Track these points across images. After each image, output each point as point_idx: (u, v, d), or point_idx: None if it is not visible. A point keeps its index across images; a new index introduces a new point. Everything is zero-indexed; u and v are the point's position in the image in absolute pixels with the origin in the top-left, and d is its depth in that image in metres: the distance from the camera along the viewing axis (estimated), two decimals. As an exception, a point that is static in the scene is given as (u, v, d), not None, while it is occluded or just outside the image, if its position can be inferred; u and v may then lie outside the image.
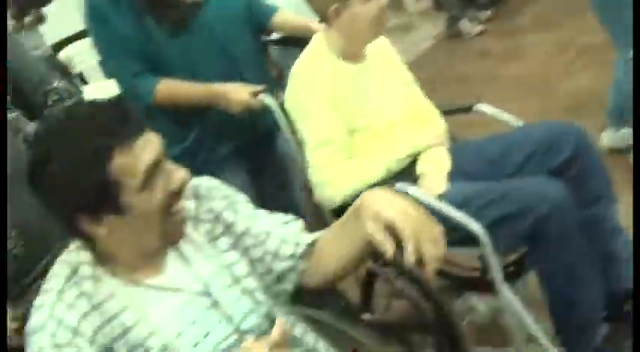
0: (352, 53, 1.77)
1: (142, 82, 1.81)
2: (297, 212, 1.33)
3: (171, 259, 1.06)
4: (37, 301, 0.98)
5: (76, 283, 0.98)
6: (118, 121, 0.93)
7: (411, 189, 1.61)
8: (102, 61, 1.87)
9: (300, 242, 1.14)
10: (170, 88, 1.83)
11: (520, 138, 1.76)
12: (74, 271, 1.00)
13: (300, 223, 1.18)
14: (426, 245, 0.90)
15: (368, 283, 1.75)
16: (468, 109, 1.96)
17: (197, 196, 1.12)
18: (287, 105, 1.78)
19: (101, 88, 3.60)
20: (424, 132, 1.80)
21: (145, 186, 0.94)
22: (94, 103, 0.98)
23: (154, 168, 0.95)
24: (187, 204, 1.10)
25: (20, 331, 1.14)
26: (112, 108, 0.95)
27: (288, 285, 1.15)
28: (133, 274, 1.02)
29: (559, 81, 3.37)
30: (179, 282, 1.05)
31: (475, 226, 1.50)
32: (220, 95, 1.82)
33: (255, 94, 1.82)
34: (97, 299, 0.98)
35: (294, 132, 1.81)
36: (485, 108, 1.92)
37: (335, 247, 1.10)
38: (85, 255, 1.00)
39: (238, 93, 1.81)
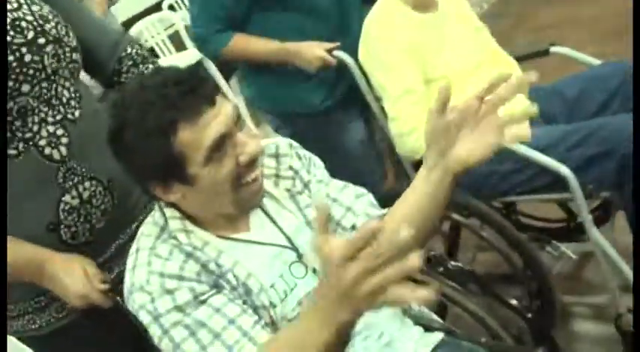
0: (424, 2, 1.73)
1: (217, 35, 1.83)
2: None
3: (255, 216, 1.08)
4: (130, 262, 1.00)
5: (166, 239, 1.01)
6: (185, 94, 0.93)
7: None
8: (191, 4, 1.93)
9: (370, 214, 1.12)
10: (243, 43, 1.83)
11: (601, 75, 1.69)
12: (162, 229, 1.02)
13: (370, 197, 1.17)
14: None
15: (454, 234, 1.75)
16: (544, 53, 1.90)
17: (277, 155, 1.14)
18: (362, 59, 1.76)
19: (176, 60, 3.68)
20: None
21: (211, 160, 0.95)
22: (165, 74, 0.96)
23: (221, 142, 0.94)
24: (268, 163, 1.12)
25: (108, 293, 1.19)
26: (182, 80, 0.94)
27: None
28: (219, 231, 1.04)
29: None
30: (265, 238, 1.07)
31: (564, 169, 1.46)
32: (294, 53, 1.80)
33: (330, 51, 1.79)
34: (190, 249, 1.00)
35: (370, 87, 1.79)
36: (562, 50, 1.87)
37: (406, 212, 1.06)
38: (172, 212, 1.03)
39: (313, 50, 1.79)
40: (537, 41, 3.20)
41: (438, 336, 1.15)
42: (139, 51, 1.38)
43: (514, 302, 1.58)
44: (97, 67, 1.32)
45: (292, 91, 1.93)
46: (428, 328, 1.17)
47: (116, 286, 1.17)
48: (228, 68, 3.89)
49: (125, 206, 1.28)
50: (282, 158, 1.14)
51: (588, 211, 1.55)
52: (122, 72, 1.34)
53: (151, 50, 3.95)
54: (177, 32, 4.31)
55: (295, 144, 1.18)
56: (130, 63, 1.35)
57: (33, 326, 1.25)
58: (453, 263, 1.70)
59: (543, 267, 1.51)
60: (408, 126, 1.66)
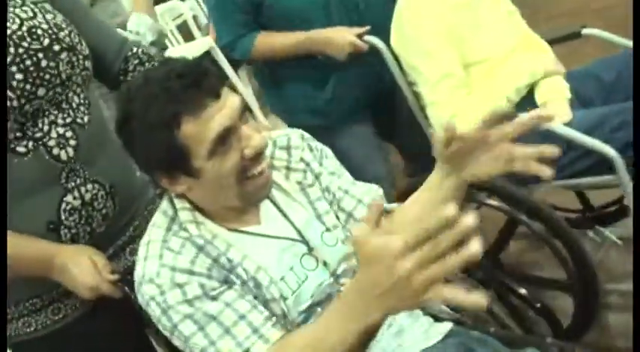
0: None
1: (242, 40, 1.81)
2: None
3: (266, 209, 1.09)
4: (142, 253, 1.01)
5: (177, 231, 1.01)
6: (189, 87, 0.92)
7: None
8: (210, 9, 1.94)
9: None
10: (268, 41, 1.80)
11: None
12: (172, 219, 1.03)
13: (380, 191, 1.17)
14: None
15: (508, 228, 1.74)
16: (577, 35, 1.87)
17: (288, 147, 1.14)
18: (396, 44, 1.71)
19: (184, 50, 3.68)
20: (539, 59, 1.73)
21: (215, 153, 0.94)
22: (170, 67, 0.96)
23: (225, 135, 0.94)
24: (279, 155, 1.13)
25: (117, 283, 1.19)
26: (186, 73, 0.93)
27: None
28: (229, 223, 1.05)
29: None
30: (275, 231, 1.07)
31: (610, 151, 1.45)
32: (322, 41, 1.74)
33: (361, 35, 1.72)
34: (201, 242, 1.00)
35: (403, 73, 1.75)
36: (594, 31, 1.83)
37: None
38: (182, 203, 1.03)
39: (342, 35, 1.72)
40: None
41: (447, 326, 1.15)
42: (145, 50, 1.39)
43: (523, 291, 1.58)
44: (104, 69, 1.34)
45: (299, 103, 1.93)
46: (437, 318, 1.17)
47: (121, 280, 1.19)
48: (236, 59, 3.90)
49: (126, 212, 1.30)
50: (294, 150, 1.14)
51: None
52: (129, 71, 1.36)
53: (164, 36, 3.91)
54: (185, 22, 4.30)
55: (307, 135, 1.18)
56: (137, 61, 1.37)
57: (28, 329, 1.26)
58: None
59: (587, 256, 1.50)
60: (449, 111, 1.63)
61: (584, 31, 1.85)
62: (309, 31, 1.75)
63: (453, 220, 0.63)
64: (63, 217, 1.19)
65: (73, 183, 1.19)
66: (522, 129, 0.89)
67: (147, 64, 1.38)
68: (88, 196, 1.21)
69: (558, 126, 1.51)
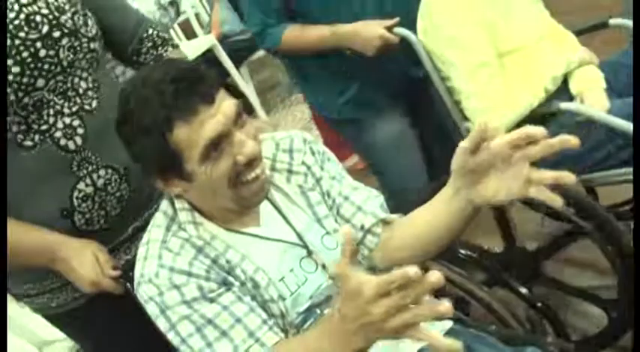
0: None
1: (270, 31, 1.76)
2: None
3: (265, 211, 1.09)
4: (141, 252, 1.01)
5: (176, 231, 1.02)
6: (182, 92, 0.92)
7: (582, 107, 1.52)
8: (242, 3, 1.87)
9: (377, 216, 1.11)
10: (297, 33, 1.74)
11: None
12: (172, 219, 1.03)
13: (381, 199, 1.16)
14: None
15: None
16: (603, 25, 1.82)
17: (291, 149, 1.14)
18: (423, 36, 1.65)
19: (186, 48, 3.67)
20: (571, 48, 1.69)
21: (208, 158, 0.94)
22: (165, 69, 0.95)
23: (217, 141, 0.94)
24: (281, 157, 1.13)
25: (118, 280, 1.21)
26: (180, 77, 0.93)
27: (359, 256, 1.12)
28: (228, 224, 1.05)
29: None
30: (275, 233, 1.07)
31: None
32: (350, 35, 1.67)
33: (390, 28, 1.64)
34: (200, 243, 1.01)
35: (435, 66, 1.68)
36: (622, 21, 1.78)
37: (415, 232, 1.06)
38: (182, 203, 1.04)
39: (371, 28, 1.64)
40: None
41: (447, 324, 1.16)
42: (160, 34, 1.39)
43: (523, 290, 1.58)
44: (119, 48, 1.34)
45: (328, 97, 1.89)
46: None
47: (128, 271, 1.18)
48: (238, 56, 3.90)
49: (141, 193, 1.30)
50: (296, 153, 1.14)
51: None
52: (142, 52, 1.36)
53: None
54: (187, 20, 4.31)
55: (310, 138, 1.17)
56: (150, 44, 1.37)
57: (52, 304, 1.28)
58: (462, 251, 1.70)
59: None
60: (489, 101, 1.59)
61: (612, 21, 1.80)
62: (335, 26, 1.68)
63: (416, 279, 0.69)
64: (76, 204, 1.20)
65: (85, 171, 1.19)
66: (549, 152, 0.83)
67: (160, 48, 1.38)
68: (100, 182, 1.21)
69: (601, 114, 1.45)
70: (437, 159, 2.00)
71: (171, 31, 4.27)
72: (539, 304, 1.57)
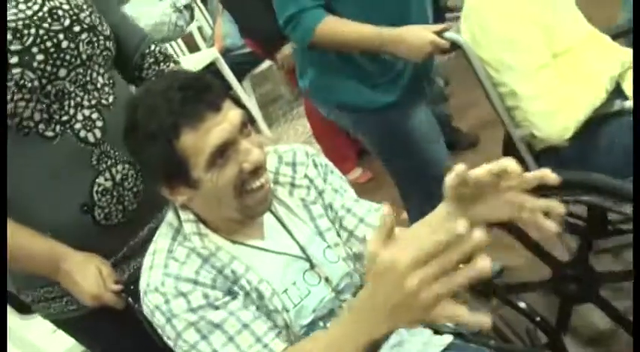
0: None
1: (305, 17, 1.59)
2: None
3: (269, 224, 1.10)
4: (147, 262, 1.02)
5: (182, 241, 1.02)
6: (189, 99, 0.93)
7: None
8: None
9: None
10: (335, 23, 1.60)
11: None
12: (178, 230, 1.04)
13: (381, 212, 1.14)
14: None
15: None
16: None
17: (294, 163, 1.15)
18: (474, 40, 1.58)
19: (189, 61, 3.68)
20: (615, 49, 1.66)
21: (213, 165, 0.95)
22: (172, 78, 0.97)
23: (223, 149, 0.95)
24: (284, 171, 1.14)
25: (121, 293, 1.21)
26: (187, 85, 0.94)
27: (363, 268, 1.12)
28: (232, 235, 1.06)
29: None
30: (278, 246, 1.08)
31: None
32: (395, 39, 1.56)
33: (440, 33, 1.56)
34: (206, 253, 1.02)
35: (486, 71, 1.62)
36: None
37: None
38: (187, 214, 1.05)
39: (420, 34, 1.55)
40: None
41: (447, 339, 1.16)
42: (162, 50, 1.42)
43: (522, 305, 1.58)
44: (121, 61, 1.36)
45: (357, 89, 1.75)
46: (437, 330, 1.18)
47: (124, 290, 1.21)
48: (240, 69, 3.92)
49: (156, 189, 1.31)
50: (299, 166, 1.15)
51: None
52: (143, 68, 1.38)
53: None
54: (190, 33, 4.34)
55: (312, 151, 1.18)
56: (152, 60, 1.39)
57: (71, 307, 1.29)
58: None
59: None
60: (554, 104, 1.54)
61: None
62: (381, 29, 1.57)
63: (463, 236, 0.62)
64: (96, 198, 1.21)
65: (104, 165, 1.21)
66: (529, 186, 0.82)
67: (162, 64, 1.40)
68: (118, 177, 1.23)
69: None
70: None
71: (174, 44, 4.31)
72: (537, 318, 1.57)
